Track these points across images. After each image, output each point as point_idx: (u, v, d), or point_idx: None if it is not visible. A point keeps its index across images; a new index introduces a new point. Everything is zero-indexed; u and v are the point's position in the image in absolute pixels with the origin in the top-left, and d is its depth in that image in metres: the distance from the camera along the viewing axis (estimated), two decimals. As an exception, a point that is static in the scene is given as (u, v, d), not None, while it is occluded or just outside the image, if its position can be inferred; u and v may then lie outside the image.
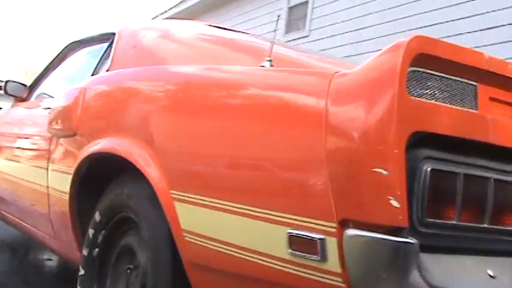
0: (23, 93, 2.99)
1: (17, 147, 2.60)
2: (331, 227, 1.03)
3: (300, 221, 1.08)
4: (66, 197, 1.94)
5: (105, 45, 2.44)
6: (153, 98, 1.65)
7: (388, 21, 6.78)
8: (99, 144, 1.72)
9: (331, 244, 1.03)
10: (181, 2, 11.00)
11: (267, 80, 1.34)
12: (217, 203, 1.25)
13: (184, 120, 1.46)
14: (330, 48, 7.64)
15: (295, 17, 8.67)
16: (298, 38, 8.32)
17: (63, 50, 2.93)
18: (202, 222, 1.30)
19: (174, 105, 1.56)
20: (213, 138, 1.34)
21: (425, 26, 5.90)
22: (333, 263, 1.03)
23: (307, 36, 8.23)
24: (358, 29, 7.28)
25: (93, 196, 1.90)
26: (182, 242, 1.34)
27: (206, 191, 1.29)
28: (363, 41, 7.15)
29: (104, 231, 1.77)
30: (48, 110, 2.29)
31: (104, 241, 1.78)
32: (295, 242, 1.09)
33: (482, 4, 5.56)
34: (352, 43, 7.39)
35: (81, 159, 1.79)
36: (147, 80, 1.74)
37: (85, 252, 1.82)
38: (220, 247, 1.26)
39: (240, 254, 1.21)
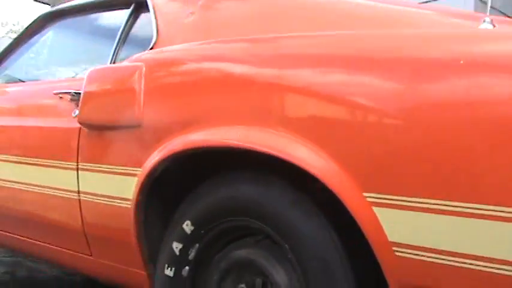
0: None
1: (11, 145, 2.06)
2: None
3: None
4: (124, 204, 1.55)
5: (118, 13, 2.01)
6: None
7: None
8: (199, 136, 1.34)
9: None
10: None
11: None
12: (457, 206, 0.97)
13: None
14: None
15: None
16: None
17: (35, 21, 2.41)
18: (428, 231, 1.01)
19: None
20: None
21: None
22: None
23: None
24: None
25: (162, 202, 1.53)
26: (392, 259, 1.04)
27: (430, 192, 1.00)
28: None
29: (198, 245, 1.42)
30: (63, 95, 1.84)
31: (198, 257, 1.43)
32: None
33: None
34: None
35: (164, 155, 1.40)
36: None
37: (169, 272, 1.45)
38: (457, 261, 0.98)
39: (491, 267, 0.96)
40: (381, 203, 1.05)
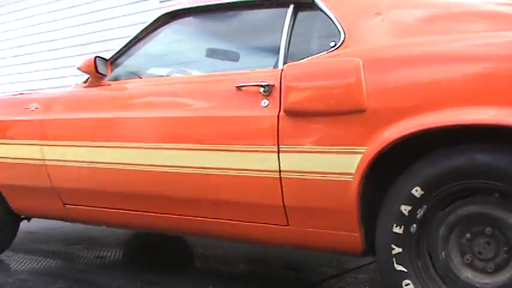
0: (106, 70, 2.57)
1: (183, 135, 2.24)
2: None
3: None
4: (343, 177, 1.85)
5: (270, 12, 2.28)
6: None
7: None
8: (433, 117, 1.68)
9: None
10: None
11: None
12: None
13: None
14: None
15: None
16: (180, -3, 8.00)
17: (156, 21, 2.59)
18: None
19: None
20: None
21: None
22: None
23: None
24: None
25: (381, 174, 1.85)
26: None
27: None
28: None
29: (425, 206, 1.76)
30: (245, 87, 2.08)
31: (424, 215, 1.77)
32: None
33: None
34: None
35: (399, 134, 1.72)
36: None
37: (398, 230, 1.78)
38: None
39: None
40: None
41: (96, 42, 8.03)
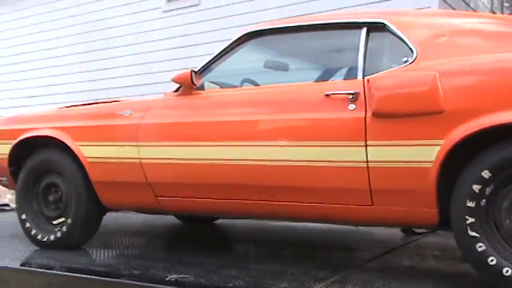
0: (197, 82, 3.01)
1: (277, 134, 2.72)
2: None
3: None
4: (425, 164, 2.35)
5: (345, 33, 2.77)
6: None
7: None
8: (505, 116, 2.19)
9: None
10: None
11: None
12: None
13: None
14: (224, 17, 7.89)
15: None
16: (184, 7, 8.28)
17: (238, 39, 3.06)
18: None
19: None
20: None
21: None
22: None
23: (196, 4, 8.26)
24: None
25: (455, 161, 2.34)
26: None
27: None
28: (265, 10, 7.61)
29: (492, 185, 2.27)
30: (334, 95, 2.57)
31: (491, 192, 2.28)
32: None
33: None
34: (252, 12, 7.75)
35: (473, 129, 2.23)
36: None
37: (471, 204, 2.29)
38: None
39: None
40: None
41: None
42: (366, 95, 2.51)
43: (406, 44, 2.57)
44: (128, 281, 2.61)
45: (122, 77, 8.41)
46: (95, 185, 3.33)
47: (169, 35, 8.07)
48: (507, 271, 2.22)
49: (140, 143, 3.12)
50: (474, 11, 6.40)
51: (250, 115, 2.84)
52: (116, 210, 3.52)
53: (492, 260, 2.25)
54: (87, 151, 3.31)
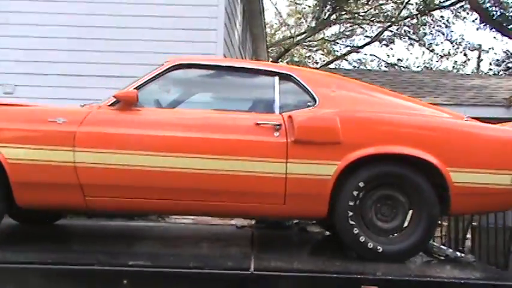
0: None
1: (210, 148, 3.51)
2: None
3: None
4: (326, 177, 3.55)
5: (261, 78, 3.81)
6: None
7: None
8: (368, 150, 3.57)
9: None
10: None
11: None
12: None
13: None
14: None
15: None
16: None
17: (167, 69, 3.74)
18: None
19: None
20: None
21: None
22: None
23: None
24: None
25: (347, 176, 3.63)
26: None
27: None
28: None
29: (364, 191, 3.61)
30: (263, 125, 3.57)
31: (363, 196, 3.62)
32: None
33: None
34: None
35: (357, 156, 3.54)
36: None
37: (351, 203, 3.59)
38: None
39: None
40: None
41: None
42: (287, 126, 3.59)
43: (310, 93, 3.76)
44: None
45: None
46: (13, 185, 3.49)
47: None
48: (370, 245, 3.58)
49: (77, 149, 3.49)
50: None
51: (187, 132, 3.59)
52: (27, 209, 3.66)
53: (362, 238, 3.59)
54: (8, 152, 3.46)
